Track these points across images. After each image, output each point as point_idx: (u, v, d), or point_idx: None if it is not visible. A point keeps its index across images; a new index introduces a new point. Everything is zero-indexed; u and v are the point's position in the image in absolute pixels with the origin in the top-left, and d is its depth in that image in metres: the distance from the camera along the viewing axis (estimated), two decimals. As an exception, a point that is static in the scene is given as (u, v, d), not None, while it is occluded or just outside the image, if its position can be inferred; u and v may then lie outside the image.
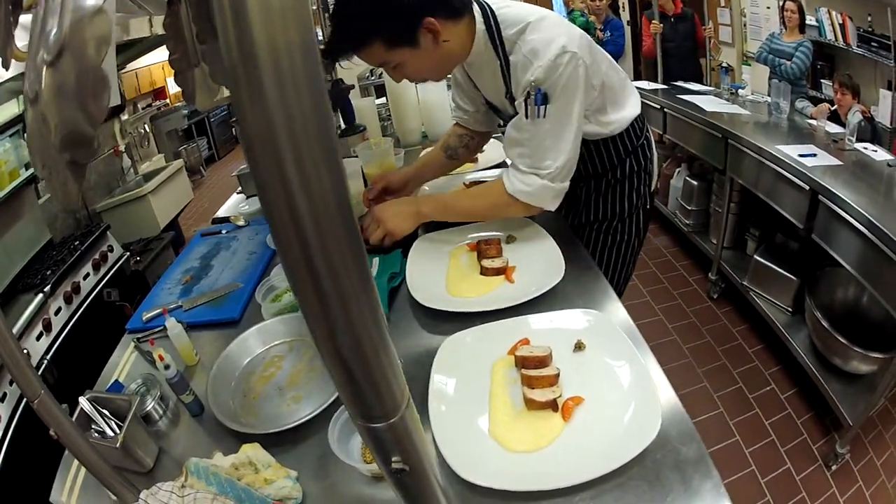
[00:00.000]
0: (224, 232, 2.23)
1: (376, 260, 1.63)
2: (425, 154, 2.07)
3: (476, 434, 1.01)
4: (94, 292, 3.12)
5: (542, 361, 1.09)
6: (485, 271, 1.49)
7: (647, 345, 1.15)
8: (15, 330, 2.54)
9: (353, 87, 2.67)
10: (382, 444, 0.47)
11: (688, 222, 3.64)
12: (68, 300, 2.91)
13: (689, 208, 3.59)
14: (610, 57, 1.56)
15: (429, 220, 1.65)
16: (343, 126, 2.57)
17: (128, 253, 3.56)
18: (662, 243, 3.99)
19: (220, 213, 2.58)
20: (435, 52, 1.35)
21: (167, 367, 1.22)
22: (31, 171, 3.20)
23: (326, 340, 0.39)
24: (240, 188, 2.72)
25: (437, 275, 1.55)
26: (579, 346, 1.15)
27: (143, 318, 1.71)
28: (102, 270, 3.26)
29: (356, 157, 2.19)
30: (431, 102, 2.71)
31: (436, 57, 1.38)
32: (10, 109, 3.10)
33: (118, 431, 1.10)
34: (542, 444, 0.97)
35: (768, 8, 3.27)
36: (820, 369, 2.32)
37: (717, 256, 3.18)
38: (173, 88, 7.85)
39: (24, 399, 2.21)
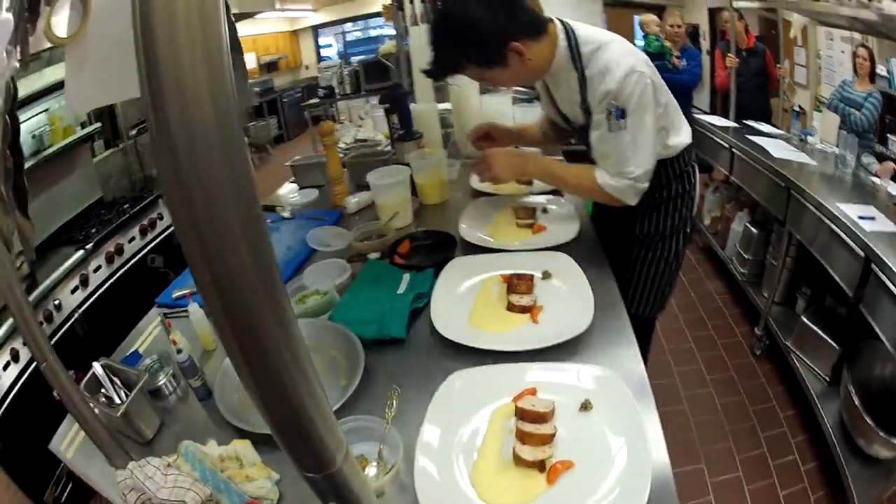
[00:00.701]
0: (269, 221, 2.24)
1: (406, 276, 1.61)
2: (527, 125, 2.25)
3: (458, 489, 0.97)
4: (138, 257, 3.17)
5: (542, 417, 1.03)
6: (511, 307, 1.44)
7: (657, 413, 1.07)
8: (50, 280, 2.62)
9: (409, 92, 2.64)
10: (320, 491, 0.47)
11: (743, 271, 3.50)
12: (110, 260, 2.97)
13: (746, 257, 3.46)
14: (665, 84, 1.68)
15: (531, 178, 2.00)
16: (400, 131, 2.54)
17: (177, 223, 3.61)
18: (715, 288, 3.86)
19: (272, 199, 2.60)
20: (523, 68, 1.57)
21: (179, 351, 1.26)
22: (86, 129, 3.28)
23: (253, 393, 0.39)
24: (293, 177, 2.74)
25: (464, 301, 1.51)
26: (586, 407, 1.09)
27: (173, 296, 1.74)
28: (149, 236, 3.31)
29: (407, 165, 2.16)
30: (494, 113, 2.66)
31: (524, 71, 1.59)
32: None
33: (124, 400, 1.17)
34: (520, 501, 0.93)
35: (842, 52, 3.11)
36: (843, 447, 2.19)
37: (766, 312, 3.05)
38: (247, 65, 8.00)
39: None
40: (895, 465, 1.99)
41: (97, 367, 1.24)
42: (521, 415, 1.05)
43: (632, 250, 1.93)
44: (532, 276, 1.53)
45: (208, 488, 0.94)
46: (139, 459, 0.96)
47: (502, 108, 2.65)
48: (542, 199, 2.07)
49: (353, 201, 2.25)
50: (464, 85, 2.68)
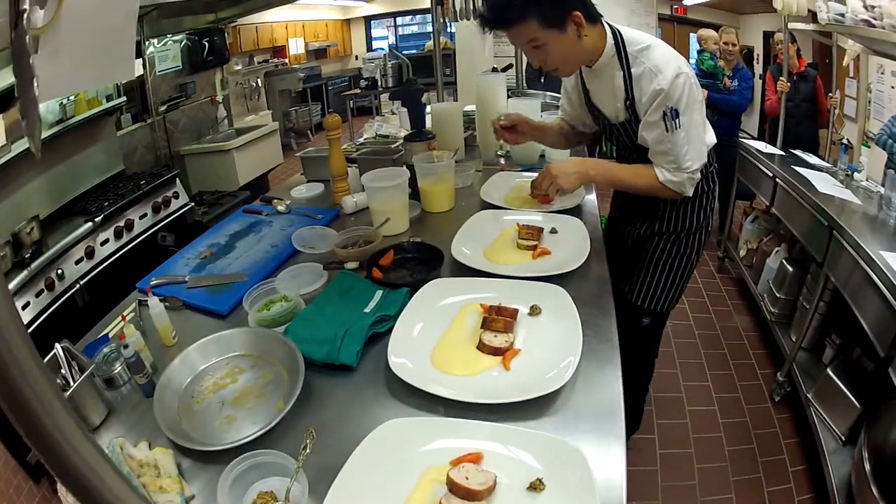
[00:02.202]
0: (265, 214, 2.17)
1: (379, 294, 1.48)
2: (549, 123, 2.24)
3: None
4: (148, 233, 3.16)
5: (474, 496, 0.87)
6: (482, 347, 1.24)
7: None
8: (55, 249, 2.63)
9: (424, 88, 2.52)
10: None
11: (773, 310, 3.30)
12: (118, 234, 2.96)
13: (778, 296, 3.25)
14: None
15: (594, 182, 1.99)
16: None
17: (192, 203, 3.60)
18: (742, 324, 3.67)
19: (280, 191, 2.53)
20: (576, 43, 1.62)
21: (125, 346, 1.23)
22: (112, 102, 3.30)
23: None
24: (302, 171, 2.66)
25: (433, 331, 1.33)
26: (535, 487, 0.90)
27: (151, 284, 1.68)
28: (161, 214, 3.30)
29: (404, 167, 2.05)
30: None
31: (576, 47, 1.63)
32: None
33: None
34: None
35: (893, 87, 2.90)
36: (844, 516, 2.02)
37: (792, 357, 2.84)
38: (294, 49, 8.02)
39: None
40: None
41: (58, 349, 1.23)
42: (451, 487, 0.89)
43: (655, 247, 1.97)
44: (516, 310, 1.34)
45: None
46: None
47: (531, 111, 2.50)
48: (551, 218, 1.93)
49: (352, 201, 2.15)
50: (491, 85, 2.57)
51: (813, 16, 3.31)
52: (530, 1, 1.53)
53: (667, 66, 1.59)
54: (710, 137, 1.82)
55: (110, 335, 1.48)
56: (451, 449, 0.98)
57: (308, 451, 0.92)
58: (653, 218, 1.95)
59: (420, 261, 1.70)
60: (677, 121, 1.61)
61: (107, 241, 2.89)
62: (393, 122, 3.27)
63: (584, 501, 0.86)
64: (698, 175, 1.74)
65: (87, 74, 0.93)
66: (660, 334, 2.27)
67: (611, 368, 1.21)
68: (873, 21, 2.67)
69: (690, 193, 1.76)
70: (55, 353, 1.22)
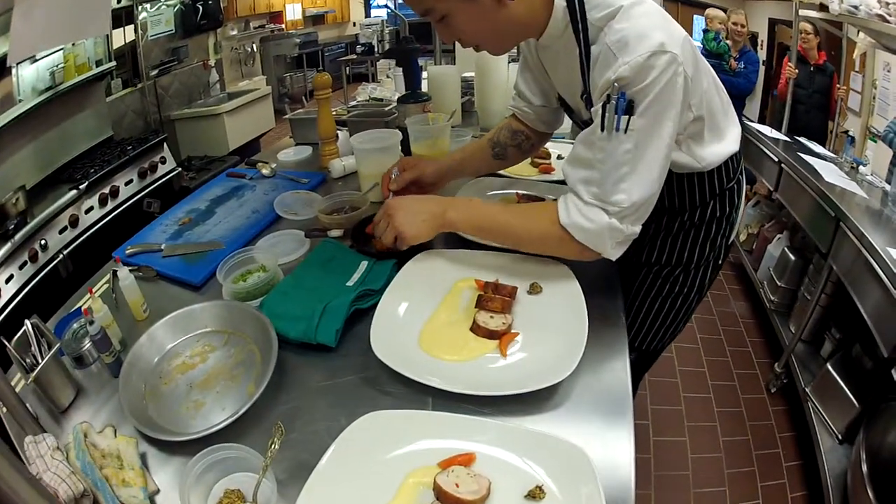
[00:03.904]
0: (249, 178, 2.06)
1: (364, 265, 1.35)
2: (469, 145, 1.70)
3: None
4: (133, 200, 3.07)
5: None
6: (476, 329, 1.12)
7: None
8: (39, 219, 2.56)
9: (421, 49, 2.41)
10: None
11: (773, 299, 3.23)
12: (103, 202, 2.88)
13: (779, 284, 3.18)
14: (714, 73, 1.22)
15: (453, 230, 1.32)
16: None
17: (180, 168, 3.51)
18: (740, 310, 3.60)
19: (266, 154, 2.44)
20: (494, 12, 1.08)
21: (91, 322, 1.14)
22: (101, 67, 3.22)
23: None
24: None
25: (422, 309, 1.20)
26: (534, 496, 0.79)
27: (127, 252, 1.60)
28: (147, 180, 3.22)
29: (397, 130, 1.92)
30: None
31: (494, 18, 1.09)
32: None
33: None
34: None
35: None
36: (840, 516, 1.97)
37: (790, 349, 2.78)
38: (291, 15, 7.89)
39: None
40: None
41: (27, 326, 1.14)
42: (439, 494, 0.80)
43: (645, 283, 1.48)
44: (515, 288, 1.21)
45: (82, 484, 0.83)
46: (46, 431, 0.93)
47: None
48: (551, 187, 1.75)
49: (340, 165, 2.03)
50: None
51: (822, 6, 3.26)
52: None
53: (639, 41, 0.99)
54: (730, 146, 1.30)
55: (83, 308, 1.40)
56: (439, 449, 0.87)
57: (276, 447, 0.83)
58: (640, 243, 1.38)
59: None
60: (626, 119, 1.02)
61: (91, 208, 2.81)
62: (388, 86, 3.16)
63: None
64: (633, 227, 1.12)
65: (61, 31, 0.85)
66: (647, 368, 1.87)
67: (618, 357, 1.09)
68: (888, 17, 2.60)
69: (614, 256, 1.16)
70: (24, 331, 1.13)
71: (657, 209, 1.19)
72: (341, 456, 0.85)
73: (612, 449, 0.89)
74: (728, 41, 4.29)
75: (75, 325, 1.23)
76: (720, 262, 1.46)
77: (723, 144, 1.27)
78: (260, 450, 0.85)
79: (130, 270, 1.36)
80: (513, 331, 1.13)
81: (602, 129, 1.06)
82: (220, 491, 0.86)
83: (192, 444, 0.91)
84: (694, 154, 1.23)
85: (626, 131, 1.03)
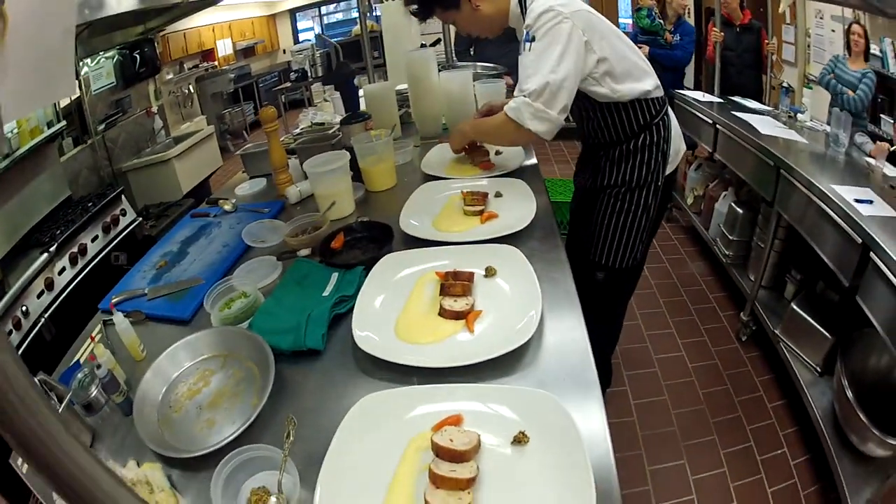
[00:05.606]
0: (213, 216, 2.13)
1: (335, 276, 1.48)
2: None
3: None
4: (101, 255, 3.09)
5: (461, 457, 0.87)
6: (443, 313, 1.26)
7: (611, 453, 0.90)
8: (17, 287, 2.56)
9: (356, 71, 2.51)
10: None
11: (727, 253, 3.36)
12: (73, 261, 2.89)
13: (731, 238, 3.32)
14: (628, 40, 1.82)
15: (471, 138, 2.07)
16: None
17: (140, 218, 3.53)
18: (698, 269, 3.74)
19: (223, 191, 2.49)
20: (475, 15, 1.84)
21: (98, 366, 1.21)
22: (53, 129, 3.22)
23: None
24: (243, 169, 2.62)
25: (394, 305, 1.34)
26: (519, 440, 0.91)
27: (112, 301, 1.64)
28: (112, 233, 3.23)
29: (344, 150, 2.04)
30: (453, 93, 2.54)
31: (476, 18, 1.85)
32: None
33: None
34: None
35: (833, 31, 3.00)
36: (835, 443, 2.07)
37: (753, 296, 2.93)
38: (222, 51, 7.89)
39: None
40: (890, 465, 1.89)
41: (36, 384, 1.16)
42: (437, 451, 0.90)
43: (600, 202, 1.95)
44: (472, 273, 1.36)
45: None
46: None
47: (464, 83, 2.51)
48: (495, 182, 1.94)
49: (296, 190, 2.14)
50: (421, 61, 2.56)
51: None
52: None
53: (539, 7, 1.65)
54: (646, 86, 1.78)
55: (82, 360, 1.45)
56: (430, 414, 0.99)
57: (292, 438, 0.91)
58: (595, 171, 1.94)
59: (371, 239, 1.71)
60: (529, 44, 1.67)
61: (63, 269, 2.82)
62: (327, 110, 3.24)
63: (569, 446, 0.87)
64: (543, 106, 1.64)
65: (31, 97, 0.91)
66: (621, 293, 2.25)
67: (573, 317, 1.24)
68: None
69: (544, 133, 1.69)
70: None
71: (604, 142, 1.89)
72: (348, 436, 0.96)
73: (581, 390, 1.03)
74: (660, 20, 4.46)
75: (79, 375, 1.27)
76: (659, 184, 1.89)
77: (639, 84, 1.78)
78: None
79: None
80: (476, 309, 1.27)
81: (521, 51, 1.71)
82: (247, 491, 0.93)
83: (211, 457, 0.98)
84: (611, 87, 1.75)
85: (529, 50, 1.68)
